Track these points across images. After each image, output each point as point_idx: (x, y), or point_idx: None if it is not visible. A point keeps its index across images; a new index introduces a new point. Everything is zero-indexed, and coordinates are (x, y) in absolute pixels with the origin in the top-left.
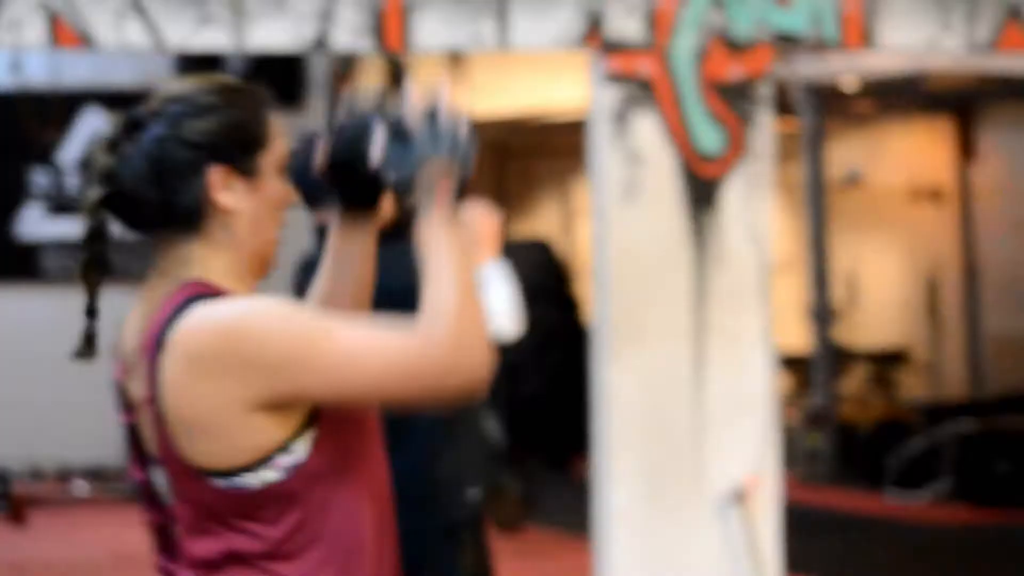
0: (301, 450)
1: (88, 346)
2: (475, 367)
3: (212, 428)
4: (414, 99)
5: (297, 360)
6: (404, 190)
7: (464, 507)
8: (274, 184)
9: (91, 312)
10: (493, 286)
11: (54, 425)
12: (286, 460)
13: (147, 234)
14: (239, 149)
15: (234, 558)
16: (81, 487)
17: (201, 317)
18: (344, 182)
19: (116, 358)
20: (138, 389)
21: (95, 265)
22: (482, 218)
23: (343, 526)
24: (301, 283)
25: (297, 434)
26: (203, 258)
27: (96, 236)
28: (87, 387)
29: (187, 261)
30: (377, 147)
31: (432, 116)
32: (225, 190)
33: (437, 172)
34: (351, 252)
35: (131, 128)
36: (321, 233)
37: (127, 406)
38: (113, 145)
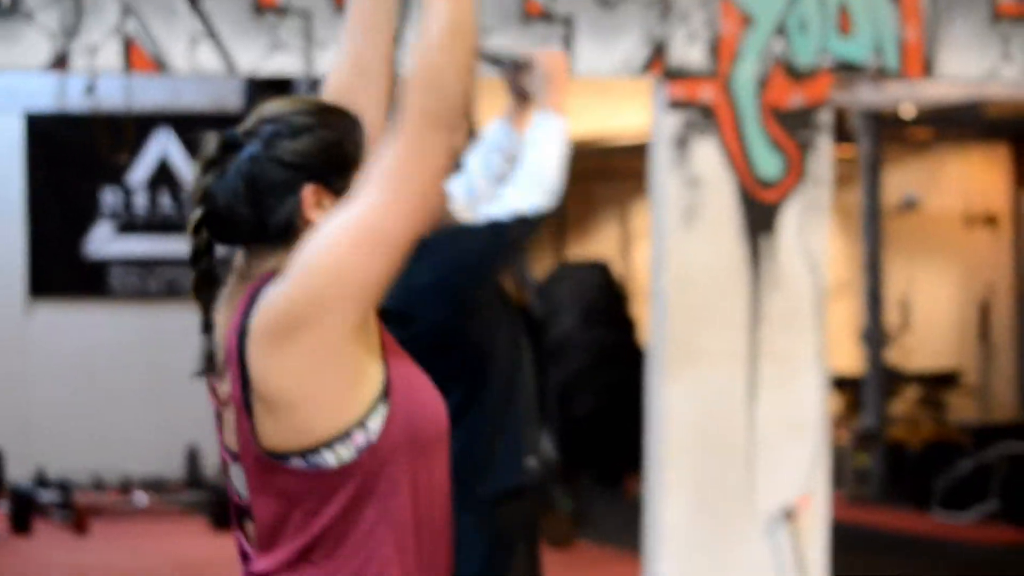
0: (375, 427)
1: (208, 362)
2: (470, 86)
3: (301, 396)
4: None
5: (347, 254)
6: None
7: (524, 472)
8: None
9: (207, 328)
10: (542, 145)
11: (117, 438)
12: (361, 438)
13: (239, 247)
14: (332, 169)
15: (308, 550)
16: (141, 498)
17: (269, 295)
18: None
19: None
20: (226, 388)
21: (205, 281)
22: (549, 58)
23: (405, 507)
24: None
25: (372, 408)
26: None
27: (202, 253)
28: (149, 402)
29: (274, 270)
30: None
31: None
32: (318, 208)
33: None
34: (379, 8)
35: (227, 148)
36: None
37: (218, 401)
38: (210, 165)
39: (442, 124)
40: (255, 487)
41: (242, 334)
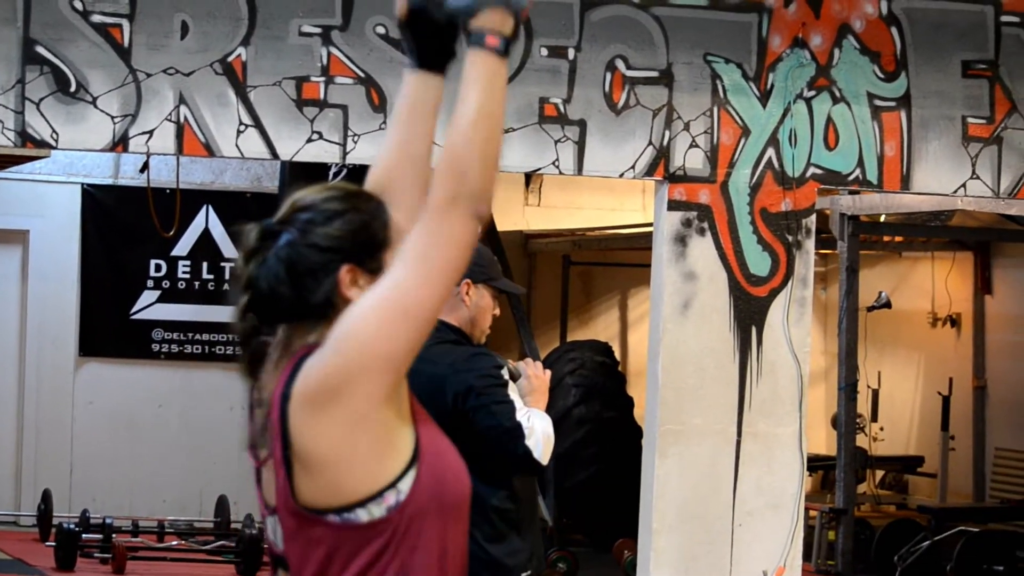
0: (405, 488)
1: (255, 439)
2: (492, 173)
3: (337, 459)
4: None
5: (374, 329)
6: (464, 16)
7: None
8: None
9: (253, 407)
10: (538, 424)
11: (154, 486)
12: (392, 498)
13: (281, 325)
14: (365, 250)
15: None
16: (175, 542)
17: (309, 364)
18: (420, 31)
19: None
20: (266, 450)
21: (255, 362)
22: (536, 372)
23: (429, 566)
24: None
25: (404, 471)
26: None
27: (251, 336)
28: (184, 454)
29: (316, 343)
30: None
31: None
32: (353, 287)
33: (493, 13)
34: (425, 102)
35: (266, 237)
36: None
37: (258, 461)
38: (251, 254)
39: (464, 207)
40: (290, 536)
41: (284, 399)
